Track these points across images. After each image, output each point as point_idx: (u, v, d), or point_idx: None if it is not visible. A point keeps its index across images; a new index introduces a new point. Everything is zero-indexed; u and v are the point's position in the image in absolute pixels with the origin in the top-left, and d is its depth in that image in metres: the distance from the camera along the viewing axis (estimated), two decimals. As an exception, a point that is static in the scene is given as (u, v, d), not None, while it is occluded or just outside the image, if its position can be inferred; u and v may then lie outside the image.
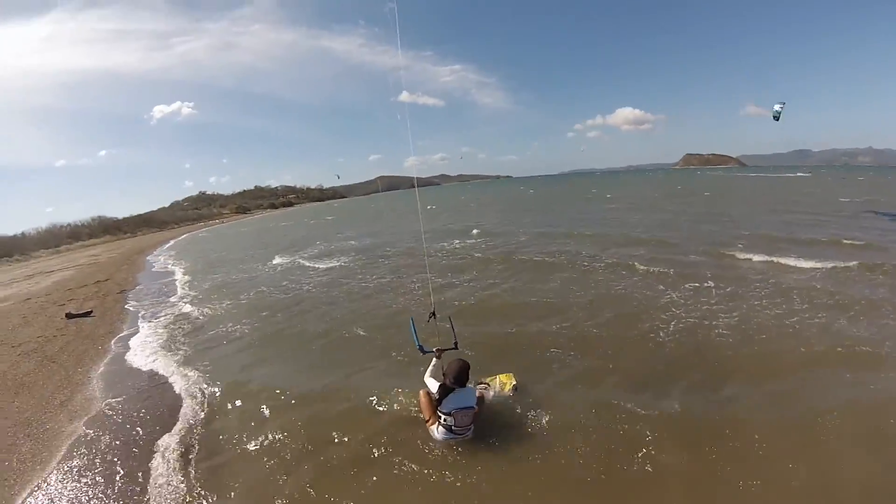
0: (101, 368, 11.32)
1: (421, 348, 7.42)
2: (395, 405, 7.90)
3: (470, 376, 6.88)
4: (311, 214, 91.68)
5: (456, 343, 7.56)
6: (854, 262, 14.08)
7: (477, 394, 7.10)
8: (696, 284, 13.29)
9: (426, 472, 6.08)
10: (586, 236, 23.93)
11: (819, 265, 14.33)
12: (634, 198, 51.59)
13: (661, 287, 13.41)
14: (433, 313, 8.09)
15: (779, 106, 22.84)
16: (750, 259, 16.05)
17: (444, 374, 6.74)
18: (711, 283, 13.22)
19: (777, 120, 22.99)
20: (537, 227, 30.67)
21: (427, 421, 6.84)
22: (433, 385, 6.75)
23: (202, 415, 8.34)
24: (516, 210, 49.00)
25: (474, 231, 30.17)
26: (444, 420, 6.49)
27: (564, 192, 78.63)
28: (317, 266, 23.21)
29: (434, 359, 7.25)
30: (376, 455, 6.55)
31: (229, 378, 9.83)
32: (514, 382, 8.04)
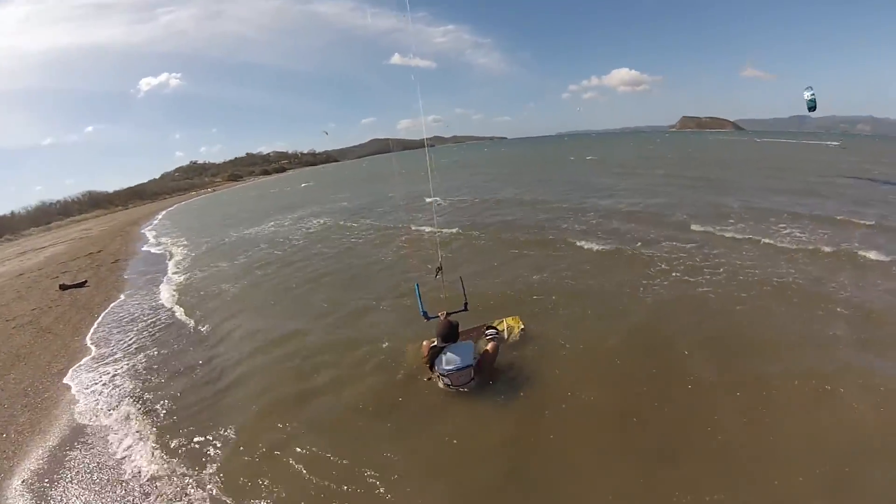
0: (98, 335, 10.99)
1: (425, 314, 7.33)
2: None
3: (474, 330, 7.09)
4: (295, 181, 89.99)
5: (466, 304, 7.47)
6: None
7: (489, 347, 6.92)
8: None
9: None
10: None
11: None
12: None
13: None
14: (440, 268, 8.06)
15: (809, 94, 21.56)
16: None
17: (436, 335, 6.61)
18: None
19: (813, 110, 21.86)
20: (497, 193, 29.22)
21: (427, 368, 6.74)
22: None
23: (201, 372, 8.17)
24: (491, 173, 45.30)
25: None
26: (442, 379, 6.51)
27: (550, 154, 75.48)
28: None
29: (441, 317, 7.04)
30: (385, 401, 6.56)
31: (232, 337, 9.68)
32: (522, 326, 7.92)
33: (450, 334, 6.49)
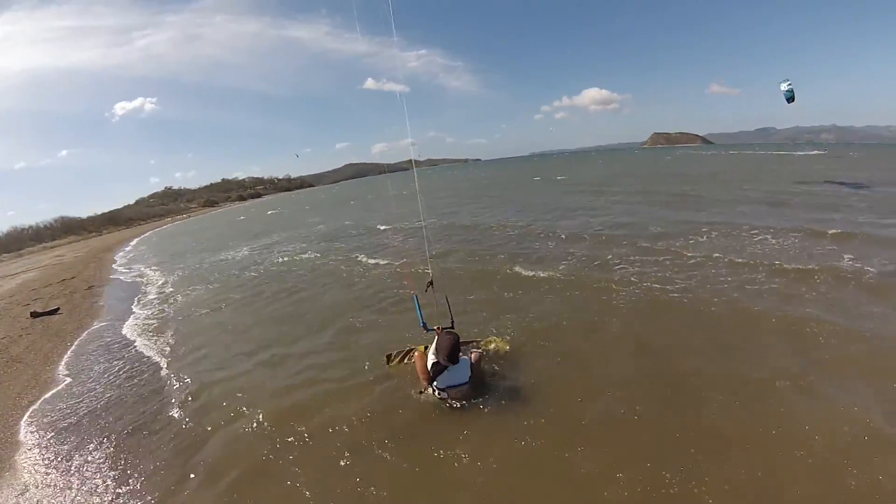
0: (71, 366, 10.59)
1: (424, 326, 7.71)
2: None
3: (462, 344, 6.97)
4: (268, 207, 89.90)
5: (452, 322, 7.73)
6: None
7: (473, 356, 7.09)
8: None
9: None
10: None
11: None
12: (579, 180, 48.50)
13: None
14: (430, 283, 8.39)
15: (786, 85, 21.57)
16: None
17: (436, 350, 6.63)
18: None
19: (791, 101, 21.74)
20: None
21: (422, 382, 6.86)
22: (431, 357, 6.80)
23: (179, 409, 7.80)
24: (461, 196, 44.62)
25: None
26: (438, 394, 6.60)
27: (521, 175, 75.35)
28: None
29: (437, 336, 7.04)
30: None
31: (210, 373, 9.27)
32: (507, 347, 8.14)
33: (455, 354, 6.46)
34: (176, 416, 7.44)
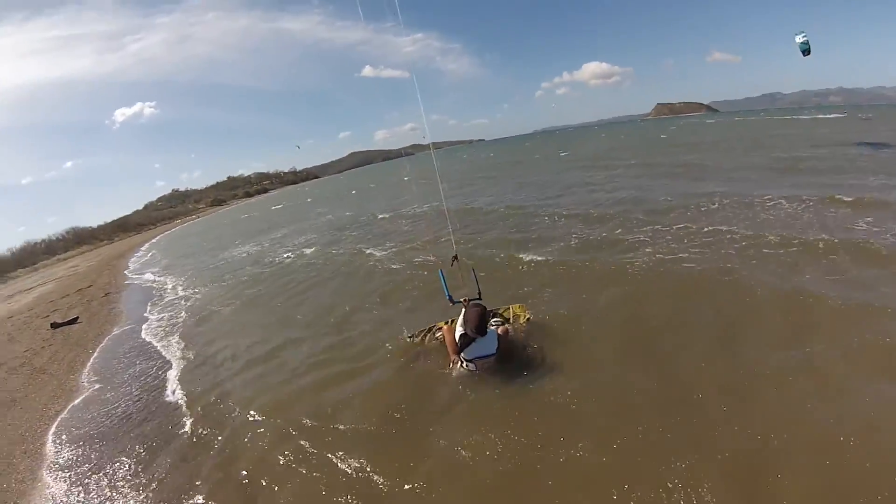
0: (95, 373, 10.59)
1: (450, 298, 7.60)
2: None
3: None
4: (275, 202, 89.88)
5: (479, 293, 7.74)
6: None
7: (500, 330, 7.23)
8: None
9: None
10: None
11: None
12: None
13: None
14: (455, 257, 8.26)
15: (801, 37, 20.51)
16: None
17: (464, 322, 6.67)
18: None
19: (807, 53, 20.71)
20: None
21: (451, 355, 7.02)
22: (459, 329, 6.82)
23: (203, 410, 7.75)
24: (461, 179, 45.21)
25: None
26: (467, 365, 6.74)
27: (522, 153, 73.96)
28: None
29: (463, 309, 7.05)
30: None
31: (231, 370, 9.23)
32: (529, 315, 8.25)
33: (483, 326, 6.53)
34: (202, 416, 7.41)
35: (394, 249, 16.36)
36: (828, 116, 58.70)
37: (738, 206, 13.53)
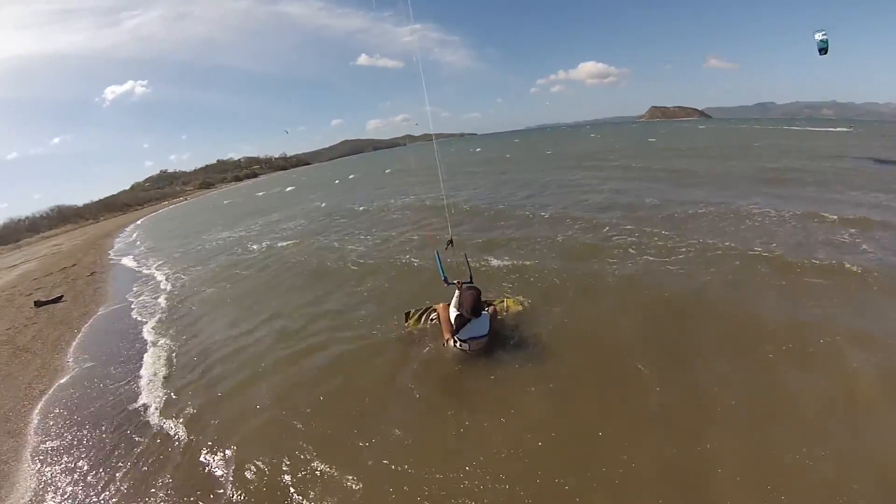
0: (80, 352, 10.37)
1: (445, 280, 8.02)
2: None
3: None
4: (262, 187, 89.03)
5: (471, 278, 8.12)
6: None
7: (490, 309, 7.64)
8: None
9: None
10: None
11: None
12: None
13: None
14: (451, 241, 8.68)
15: (820, 35, 19.96)
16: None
17: (459, 305, 7.00)
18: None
19: (825, 52, 20.15)
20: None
21: (445, 334, 7.20)
22: (454, 311, 7.14)
23: (191, 386, 7.73)
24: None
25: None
26: (460, 345, 6.99)
27: (511, 149, 72.02)
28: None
29: (456, 290, 7.47)
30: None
31: (219, 347, 9.21)
32: (521, 308, 8.52)
33: (478, 307, 6.79)
34: (190, 393, 7.40)
35: (385, 235, 16.27)
36: (833, 130, 56.53)
37: (721, 217, 13.18)
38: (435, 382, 6.64)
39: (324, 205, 31.11)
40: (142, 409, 7.17)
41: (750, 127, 74.80)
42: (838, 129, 58.18)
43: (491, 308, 7.79)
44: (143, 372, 8.52)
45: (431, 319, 8.21)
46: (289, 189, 61.36)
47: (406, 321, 8.36)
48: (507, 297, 8.77)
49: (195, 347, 9.33)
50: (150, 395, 7.57)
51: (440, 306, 7.68)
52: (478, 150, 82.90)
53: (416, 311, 8.49)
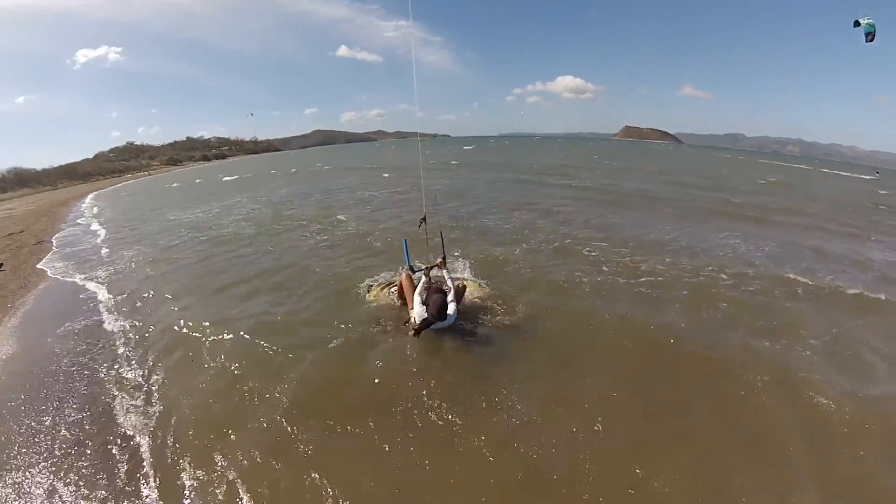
0: (10, 328, 9.81)
1: (411, 268, 8.50)
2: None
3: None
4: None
5: (444, 256, 8.55)
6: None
7: (459, 285, 8.33)
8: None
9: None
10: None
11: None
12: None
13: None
14: (423, 219, 8.94)
15: (866, 20, 18.91)
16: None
17: (426, 301, 7.31)
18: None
19: (871, 38, 19.06)
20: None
21: (409, 309, 7.81)
22: (418, 307, 7.41)
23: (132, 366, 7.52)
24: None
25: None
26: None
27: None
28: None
29: (423, 276, 7.96)
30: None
31: (165, 325, 9.05)
32: (482, 291, 9.29)
33: (444, 312, 7.18)
34: (130, 376, 7.23)
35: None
36: (860, 177, 54.97)
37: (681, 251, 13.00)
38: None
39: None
40: (74, 398, 6.77)
41: (788, 164, 74.70)
42: (863, 175, 56.26)
43: (459, 283, 8.47)
44: (76, 355, 8.20)
45: (392, 292, 8.87)
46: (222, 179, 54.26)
47: (368, 293, 9.10)
48: (469, 282, 9.40)
49: (132, 323, 9.20)
50: (84, 376, 7.21)
51: (403, 277, 8.28)
52: (445, 151, 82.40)
53: (378, 283, 9.30)
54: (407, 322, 7.68)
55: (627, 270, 10.93)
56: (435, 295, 7.25)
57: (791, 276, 10.81)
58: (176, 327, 8.77)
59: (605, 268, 11.13)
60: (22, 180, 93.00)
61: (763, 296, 9.61)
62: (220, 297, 10.42)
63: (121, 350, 8.08)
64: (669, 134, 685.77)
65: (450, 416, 5.71)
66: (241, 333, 8.17)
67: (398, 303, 8.74)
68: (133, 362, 7.60)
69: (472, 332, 7.78)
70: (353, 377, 6.65)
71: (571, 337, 7.77)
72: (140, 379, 7.06)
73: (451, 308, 7.41)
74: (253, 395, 6.31)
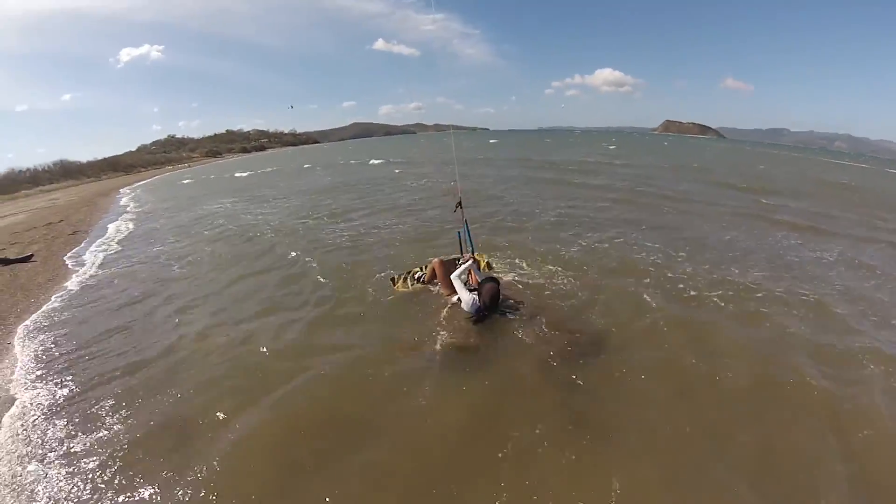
0: (30, 326, 8.85)
1: (472, 249, 8.49)
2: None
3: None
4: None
5: (473, 247, 8.61)
6: None
7: (484, 267, 9.02)
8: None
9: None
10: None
11: None
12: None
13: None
14: (459, 204, 8.71)
15: None
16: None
17: (477, 291, 7.15)
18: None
19: None
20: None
21: (444, 291, 8.00)
22: (466, 294, 7.18)
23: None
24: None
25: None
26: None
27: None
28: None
29: (469, 261, 7.85)
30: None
31: (193, 327, 8.05)
32: (488, 260, 9.64)
33: (497, 301, 7.14)
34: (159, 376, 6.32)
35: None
36: None
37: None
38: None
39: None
40: (85, 400, 5.69)
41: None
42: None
43: (484, 265, 9.13)
44: (95, 358, 7.08)
45: (418, 279, 8.77)
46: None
47: (393, 285, 8.87)
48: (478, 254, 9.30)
49: (156, 321, 7.98)
50: (96, 382, 6.08)
51: (435, 262, 8.21)
52: (472, 145, 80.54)
53: (400, 274, 9.13)
54: (453, 304, 7.61)
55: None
56: (489, 283, 7.11)
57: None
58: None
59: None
60: (67, 172, 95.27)
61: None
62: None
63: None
64: (711, 128, 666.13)
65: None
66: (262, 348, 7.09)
67: (435, 289, 8.49)
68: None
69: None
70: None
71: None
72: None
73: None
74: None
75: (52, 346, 7.82)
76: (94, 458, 4.86)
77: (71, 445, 5.09)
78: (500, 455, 4.56)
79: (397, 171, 36.65)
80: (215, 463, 4.61)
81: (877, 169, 54.06)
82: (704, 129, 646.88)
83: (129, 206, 29.84)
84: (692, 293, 8.51)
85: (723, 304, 8.09)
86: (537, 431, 4.87)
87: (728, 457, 4.54)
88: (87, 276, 12.00)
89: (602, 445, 4.68)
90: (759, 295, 8.46)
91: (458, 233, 8.76)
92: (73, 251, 15.51)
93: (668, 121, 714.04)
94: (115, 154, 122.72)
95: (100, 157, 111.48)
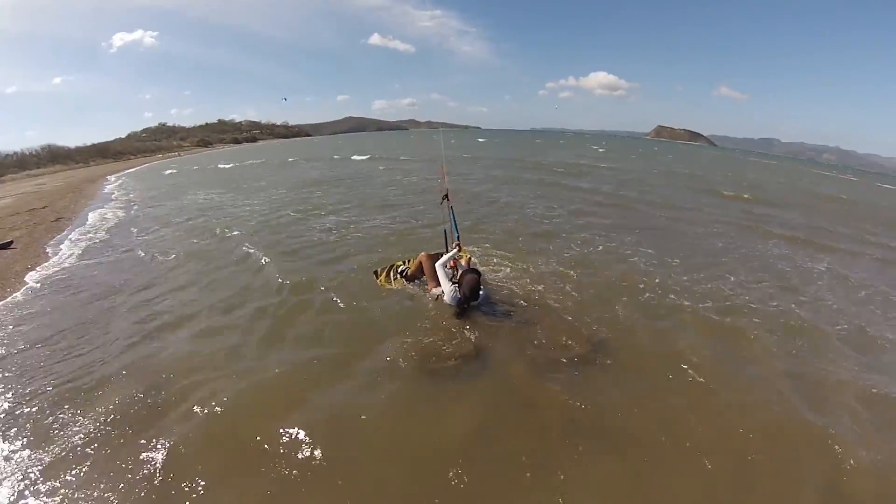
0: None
1: (458, 239, 8.34)
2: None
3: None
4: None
5: (458, 236, 8.55)
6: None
7: (467, 261, 8.39)
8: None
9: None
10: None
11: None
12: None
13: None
14: (446, 196, 8.79)
15: None
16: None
17: (458, 283, 7.27)
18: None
19: None
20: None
21: (430, 284, 8.05)
22: (448, 285, 7.36)
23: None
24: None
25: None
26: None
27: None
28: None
29: (454, 252, 7.89)
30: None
31: (171, 324, 8.04)
32: (469, 257, 9.05)
33: (478, 292, 7.17)
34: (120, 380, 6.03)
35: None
36: None
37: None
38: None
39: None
40: (59, 393, 5.85)
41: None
42: None
43: (468, 260, 8.54)
44: (65, 354, 7.25)
45: (401, 273, 8.82)
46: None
47: (377, 278, 8.96)
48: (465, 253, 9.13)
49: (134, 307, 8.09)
50: (69, 374, 6.26)
51: (423, 255, 8.33)
52: (451, 141, 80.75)
53: (383, 268, 9.19)
54: (428, 296, 7.89)
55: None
56: (470, 276, 7.13)
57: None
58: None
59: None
60: (55, 157, 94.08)
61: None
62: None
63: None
64: (702, 135, 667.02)
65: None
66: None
67: (410, 286, 8.66)
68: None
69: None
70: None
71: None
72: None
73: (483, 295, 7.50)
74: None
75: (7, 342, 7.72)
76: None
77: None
78: (503, 468, 4.57)
79: (381, 167, 36.97)
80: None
81: (867, 182, 55.08)
82: (695, 135, 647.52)
83: (114, 193, 29.69)
84: (683, 301, 8.77)
85: (716, 316, 8.22)
86: (539, 443, 4.89)
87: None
88: (60, 269, 11.89)
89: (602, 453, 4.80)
90: (747, 309, 8.72)
91: (445, 230, 8.93)
92: (55, 238, 15.56)
93: (660, 126, 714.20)
94: (105, 140, 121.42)
95: (89, 143, 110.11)
